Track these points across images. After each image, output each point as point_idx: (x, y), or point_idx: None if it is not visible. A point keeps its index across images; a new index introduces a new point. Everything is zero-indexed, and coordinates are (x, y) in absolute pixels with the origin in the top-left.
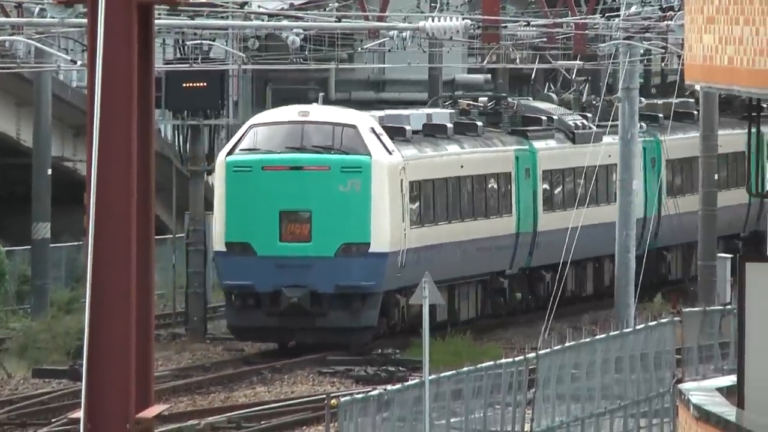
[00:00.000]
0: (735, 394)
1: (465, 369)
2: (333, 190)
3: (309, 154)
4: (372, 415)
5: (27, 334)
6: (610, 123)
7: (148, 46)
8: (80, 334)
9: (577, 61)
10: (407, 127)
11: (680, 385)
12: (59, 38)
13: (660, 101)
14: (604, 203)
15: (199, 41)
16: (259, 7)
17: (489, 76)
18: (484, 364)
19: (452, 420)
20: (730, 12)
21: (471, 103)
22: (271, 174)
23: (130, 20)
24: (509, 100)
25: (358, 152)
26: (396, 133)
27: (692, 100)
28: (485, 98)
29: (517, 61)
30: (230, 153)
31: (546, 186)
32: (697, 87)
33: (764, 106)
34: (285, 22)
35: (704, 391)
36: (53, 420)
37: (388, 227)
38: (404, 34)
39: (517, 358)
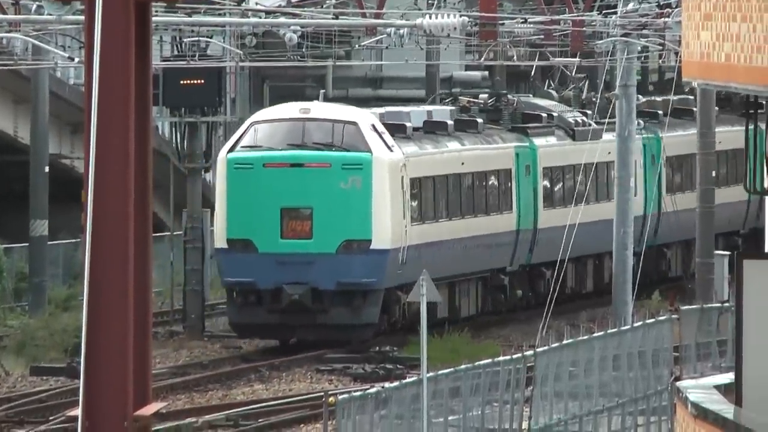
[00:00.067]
0: (733, 392)
1: (463, 367)
2: (334, 186)
3: (310, 151)
4: (370, 413)
5: (24, 332)
6: (607, 120)
7: (145, 43)
8: (78, 331)
9: (576, 59)
10: (408, 124)
11: (678, 383)
12: (56, 35)
13: (660, 98)
14: (604, 200)
15: (196, 38)
16: (256, 4)
17: (486, 73)
18: (482, 362)
19: (450, 418)
20: (728, 9)
21: (471, 100)
22: (272, 171)
23: (128, 17)
24: (509, 97)
25: (359, 149)
26: (397, 130)
27: (692, 97)
28: (485, 95)
29: (515, 58)
30: (231, 150)
31: (546, 183)
32: (695, 84)
33: (762, 102)
34: (282, 19)
35: (702, 388)
36: (51, 418)
37: (389, 224)
38: (401, 31)
39: (515, 356)
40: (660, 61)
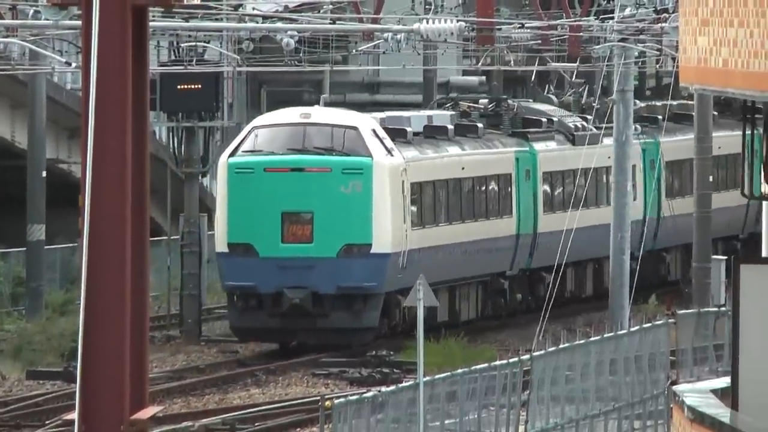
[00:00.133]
0: (729, 396)
1: (459, 371)
2: (335, 191)
3: (311, 156)
4: (366, 417)
5: (21, 336)
6: (605, 125)
7: (142, 48)
8: (75, 335)
9: (575, 64)
10: (408, 129)
11: (675, 387)
12: (54, 40)
13: (659, 103)
14: (603, 205)
15: (193, 43)
16: (253, 9)
17: (483, 78)
18: (478, 366)
19: (446, 422)
20: (725, 14)
21: (471, 104)
22: (273, 175)
23: (125, 22)
24: (509, 102)
25: (360, 154)
26: (397, 134)
27: (692, 102)
28: (486, 100)
29: (512, 63)
30: (232, 154)
31: (546, 187)
32: (692, 89)
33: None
34: (279, 24)
35: (699, 392)
36: (47, 422)
37: (389, 228)
38: (399, 36)
39: (511, 360)
40: (657, 66)
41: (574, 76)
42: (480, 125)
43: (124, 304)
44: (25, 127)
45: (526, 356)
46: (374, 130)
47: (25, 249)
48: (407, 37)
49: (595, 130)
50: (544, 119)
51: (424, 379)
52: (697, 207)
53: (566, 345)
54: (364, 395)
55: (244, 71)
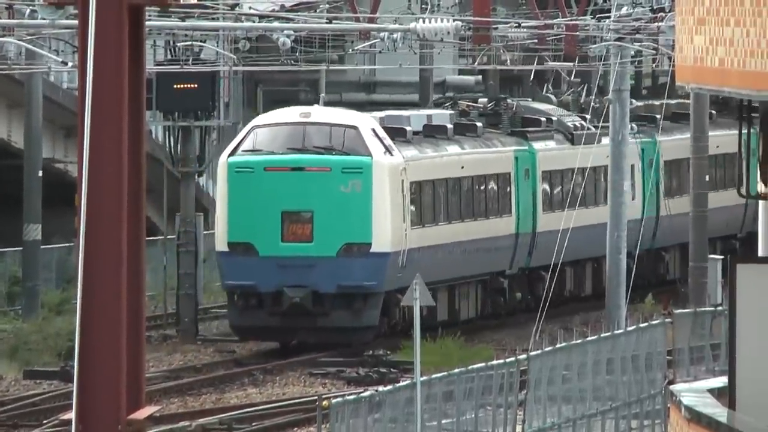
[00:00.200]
0: (726, 396)
1: (456, 370)
2: (334, 190)
3: (310, 155)
4: (363, 417)
5: (18, 336)
6: (601, 124)
7: (138, 47)
8: (71, 335)
9: (573, 63)
10: (408, 128)
11: (671, 387)
12: (50, 40)
13: (657, 102)
14: (602, 204)
15: (189, 43)
16: (249, 8)
17: (480, 77)
18: (475, 366)
19: (444, 421)
20: (721, 13)
21: (471, 104)
22: (273, 175)
23: (121, 22)
24: (509, 101)
25: (359, 153)
26: (397, 134)
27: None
28: (485, 99)
29: (508, 62)
30: (232, 154)
31: (545, 186)
32: (688, 88)
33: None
34: (276, 24)
35: (695, 392)
36: (45, 422)
37: (389, 227)
38: (395, 35)
39: (508, 360)
40: (653, 65)
41: (572, 76)
42: (479, 124)
43: (120, 304)
44: (22, 126)
45: (523, 356)
46: (374, 130)
47: (21, 248)
48: (403, 36)
49: (594, 129)
50: (543, 118)
51: (421, 379)
52: (694, 206)
53: (563, 344)
54: (362, 395)
55: (240, 71)
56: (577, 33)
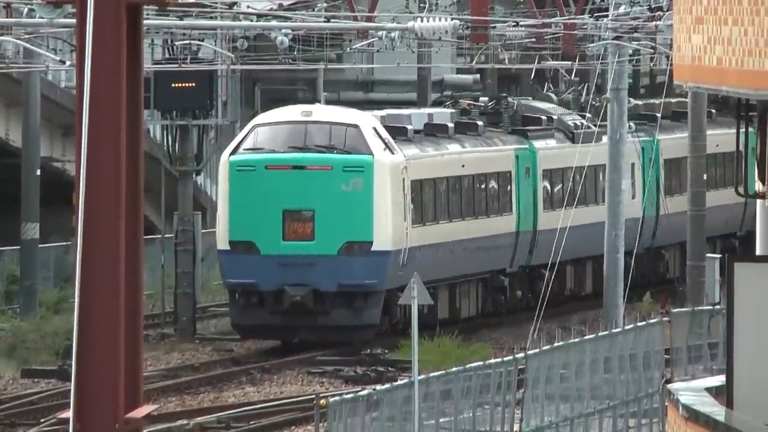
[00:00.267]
0: (724, 394)
1: (454, 369)
2: (336, 189)
3: (312, 154)
4: (361, 415)
5: (16, 335)
6: (599, 123)
7: (136, 46)
8: (69, 334)
9: (572, 62)
10: (409, 127)
11: (669, 385)
12: (48, 38)
13: (657, 101)
14: (603, 202)
15: (187, 41)
16: (247, 7)
17: (478, 76)
18: (473, 364)
19: (441, 420)
20: (719, 12)
21: (472, 102)
22: (274, 173)
23: (119, 20)
24: (509, 100)
25: (361, 152)
26: (398, 132)
27: None
28: (486, 98)
29: (506, 61)
30: (234, 152)
31: (546, 185)
32: (686, 87)
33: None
34: (274, 23)
35: (693, 391)
36: (42, 420)
37: (390, 226)
38: (393, 34)
39: (506, 358)
40: (651, 64)
41: (573, 74)
42: (480, 123)
43: (118, 303)
44: (20, 125)
45: (521, 354)
46: (375, 128)
47: (19, 247)
48: (401, 35)
49: (594, 127)
50: (543, 117)
51: (419, 378)
52: (691, 205)
53: (561, 343)
54: (359, 394)
55: (238, 69)
56: (575, 32)
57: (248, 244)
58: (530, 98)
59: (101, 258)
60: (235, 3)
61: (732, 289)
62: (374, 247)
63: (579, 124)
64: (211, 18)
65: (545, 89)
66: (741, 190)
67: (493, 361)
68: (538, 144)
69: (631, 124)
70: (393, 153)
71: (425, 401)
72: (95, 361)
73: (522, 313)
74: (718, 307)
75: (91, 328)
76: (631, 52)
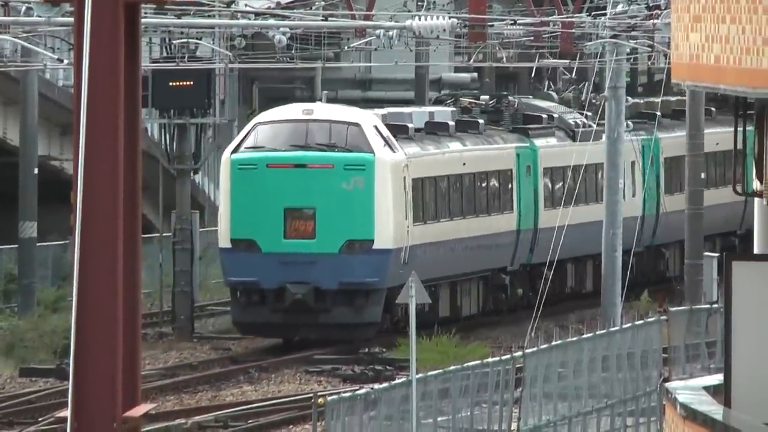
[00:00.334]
0: (722, 393)
1: (452, 368)
2: (337, 187)
3: (313, 152)
4: (359, 414)
5: (14, 333)
6: (597, 121)
7: (134, 44)
8: (67, 332)
9: (571, 60)
10: (410, 125)
11: (667, 384)
12: (46, 37)
13: (658, 99)
14: (603, 201)
15: (185, 40)
16: (245, 6)
17: (475, 74)
18: (471, 363)
19: (439, 419)
20: (717, 10)
21: (473, 101)
22: (275, 171)
23: (117, 19)
24: (510, 98)
25: (362, 150)
26: (399, 130)
27: None
28: (486, 96)
29: (504, 59)
30: (235, 151)
31: (547, 183)
32: (684, 86)
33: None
34: (272, 21)
35: (691, 389)
36: (40, 419)
37: (391, 224)
38: (391, 32)
39: (504, 357)
40: (649, 62)
41: (574, 73)
42: (481, 121)
43: (116, 301)
44: (17, 124)
45: (519, 353)
46: (376, 127)
47: (17, 246)
48: (399, 33)
49: (595, 126)
50: (544, 116)
51: (417, 376)
52: (689, 204)
53: (559, 342)
54: (357, 392)
55: (236, 68)
56: (573, 30)
57: (249, 242)
58: (531, 97)
59: (99, 257)
60: (233, 1)
61: (730, 287)
62: (375, 246)
63: (580, 122)
64: (208, 16)
65: (545, 87)
66: (739, 188)
67: (491, 359)
68: (539, 142)
69: (629, 122)
70: (394, 151)
71: (423, 400)
72: (93, 359)
73: (522, 311)
74: (715, 305)
75: (89, 326)
76: (628, 50)
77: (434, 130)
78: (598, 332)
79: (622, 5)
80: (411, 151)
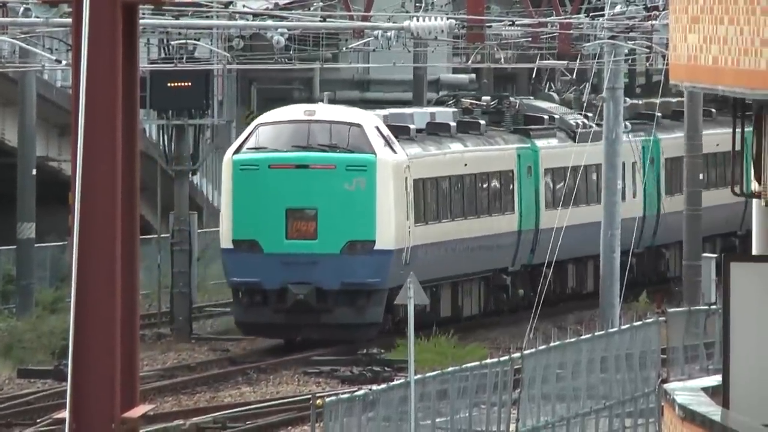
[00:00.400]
0: (720, 394)
1: (450, 369)
2: (338, 188)
3: (315, 153)
4: (357, 415)
5: (12, 334)
6: (596, 122)
7: (132, 45)
8: (65, 333)
9: (571, 61)
10: (411, 126)
11: (665, 385)
12: (44, 38)
13: (658, 100)
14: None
15: (183, 41)
16: (243, 6)
17: (474, 75)
18: (469, 364)
19: (437, 420)
20: (715, 11)
21: (474, 102)
22: (277, 172)
23: (115, 20)
24: (511, 99)
25: (364, 151)
26: (400, 131)
27: None
28: (488, 97)
29: (502, 60)
30: (237, 151)
31: (548, 184)
32: (682, 87)
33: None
34: (270, 22)
35: (689, 390)
36: (38, 420)
37: (392, 225)
38: (389, 33)
39: (502, 358)
40: (647, 63)
41: (574, 74)
42: (482, 122)
43: (114, 302)
44: (15, 124)
45: (517, 354)
46: (378, 127)
47: (15, 247)
48: (397, 34)
49: (596, 126)
50: (545, 116)
51: (415, 378)
52: (687, 205)
53: (557, 343)
54: (355, 393)
55: (234, 69)
56: (571, 31)
57: (251, 242)
58: (532, 97)
59: (97, 258)
60: (231, 2)
61: (728, 288)
62: (377, 246)
63: (581, 123)
64: (206, 17)
65: (546, 88)
66: (738, 189)
67: (489, 360)
68: (540, 143)
69: (627, 123)
70: (395, 152)
71: (421, 401)
72: (91, 360)
73: (523, 312)
74: (714, 306)
75: (87, 327)
76: (626, 51)
77: (435, 131)
78: (596, 333)
79: (620, 6)
80: (412, 152)
